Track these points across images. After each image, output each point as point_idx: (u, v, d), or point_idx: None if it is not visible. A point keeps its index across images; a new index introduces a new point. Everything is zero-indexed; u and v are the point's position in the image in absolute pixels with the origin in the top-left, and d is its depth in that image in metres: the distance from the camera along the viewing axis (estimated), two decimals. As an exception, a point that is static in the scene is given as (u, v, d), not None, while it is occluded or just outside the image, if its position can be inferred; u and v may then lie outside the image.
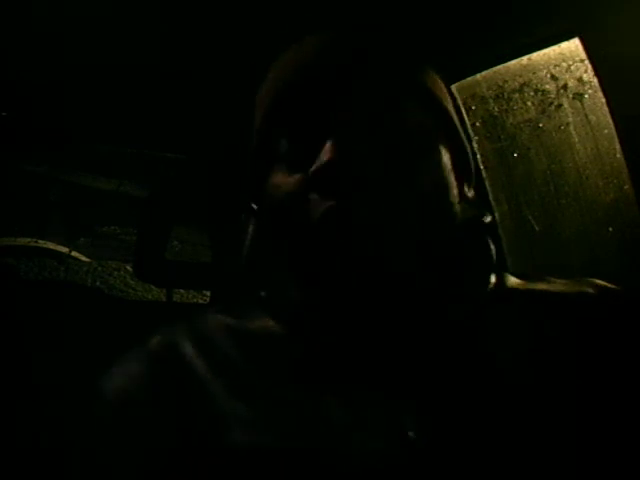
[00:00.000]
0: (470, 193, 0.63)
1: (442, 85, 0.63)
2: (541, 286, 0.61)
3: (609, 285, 0.61)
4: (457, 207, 0.59)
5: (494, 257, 0.62)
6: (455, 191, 0.59)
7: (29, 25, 1.34)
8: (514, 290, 0.61)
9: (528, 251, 1.64)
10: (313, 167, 0.53)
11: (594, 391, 0.52)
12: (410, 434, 0.49)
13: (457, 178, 0.60)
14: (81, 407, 0.59)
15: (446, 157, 0.59)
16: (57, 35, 1.38)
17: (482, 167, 1.46)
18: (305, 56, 0.59)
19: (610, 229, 1.45)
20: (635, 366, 0.54)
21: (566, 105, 1.50)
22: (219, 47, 1.41)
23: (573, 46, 1.18)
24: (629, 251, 1.42)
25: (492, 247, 0.62)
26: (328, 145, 0.52)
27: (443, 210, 0.57)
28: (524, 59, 1.36)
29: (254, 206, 0.66)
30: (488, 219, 0.62)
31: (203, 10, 1.27)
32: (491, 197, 1.45)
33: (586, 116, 1.45)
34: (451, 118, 0.61)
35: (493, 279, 0.61)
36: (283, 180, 0.56)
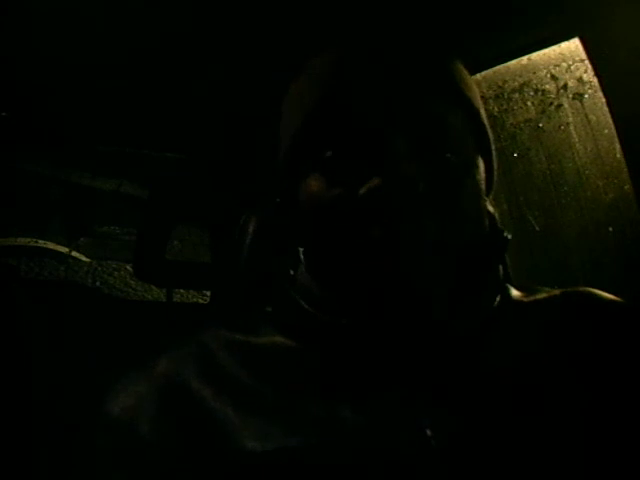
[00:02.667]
0: (490, 204, 0.63)
1: (473, 83, 0.61)
2: (541, 296, 0.63)
3: (604, 293, 0.63)
4: (487, 222, 0.59)
5: (502, 272, 0.62)
6: (485, 205, 0.59)
7: (29, 25, 1.34)
8: (518, 301, 0.62)
9: (528, 251, 1.64)
10: (363, 190, 0.52)
11: (596, 393, 0.53)
12: (427, 432, 0.49)
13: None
14: (86, 429, 0.58)
15: (482, 171, 0.59)
16: (57, 35, 1.38)
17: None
18: (348, 63, 0.58)
19: (610, 229, 1.45)
20: (632, 370, 0.55)
21: (566, 105, 1.49)
22: (219, 47, 1.40)
23: (573, 46, 1.18)
24: (629, 251, 1.41)
25: (502, 264, 0.63)
26: (378, 169, 0.52)
27: (479, 227, 0.57)
28: (524, 59, 1.36)
29: (278, 200, 0.65)
30: (509, 236, 0.61)
31: (202, 10, 1.27)
32: (491, 197, 1.45)
33: (586, 116, 1.44)
34: (486, 128, 0.60)
35: (500, 291, 0.62)
36: (323, 189, 0.56)
